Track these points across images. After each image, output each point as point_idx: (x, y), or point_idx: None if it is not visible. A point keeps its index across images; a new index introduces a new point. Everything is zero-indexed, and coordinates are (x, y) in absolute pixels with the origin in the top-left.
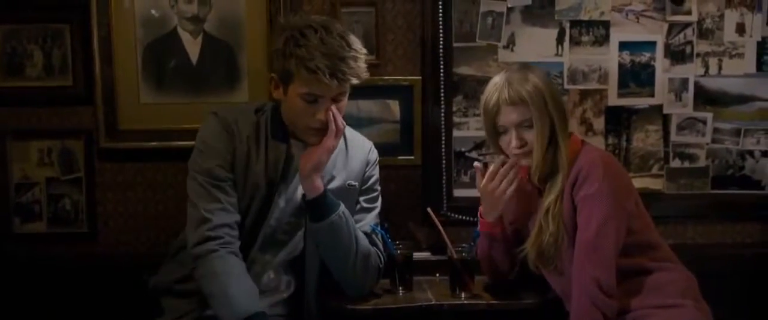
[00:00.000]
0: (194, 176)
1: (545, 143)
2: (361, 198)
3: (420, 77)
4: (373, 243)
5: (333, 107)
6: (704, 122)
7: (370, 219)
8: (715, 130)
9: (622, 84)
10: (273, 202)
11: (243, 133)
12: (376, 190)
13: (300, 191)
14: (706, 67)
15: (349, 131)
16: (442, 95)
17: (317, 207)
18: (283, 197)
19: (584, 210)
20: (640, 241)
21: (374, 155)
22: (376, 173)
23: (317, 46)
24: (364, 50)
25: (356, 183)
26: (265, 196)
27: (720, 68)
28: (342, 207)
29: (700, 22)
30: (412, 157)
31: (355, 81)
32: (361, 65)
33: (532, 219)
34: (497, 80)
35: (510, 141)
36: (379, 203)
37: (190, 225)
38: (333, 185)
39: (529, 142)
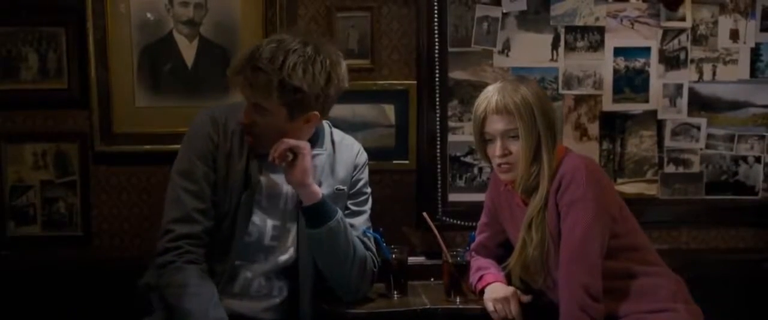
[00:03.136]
0: (172, 177)
1: (530, 156)
2: (350, 202)
3: (415, 82)
4: (366, 247)
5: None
6: (698, 128)
7: (360, 223)
8: (709, 136)
9: (617, 90)
10: (255, 203)
11: (229, 130)
12: (365, 193)
13: (286, 194)
14: (700, 73)
15: (338, 135)
16: (437, 99)
17: (315, 214)
18: (264, 196)
19: (569, 216)
20: (626, 244)
21: (363, 158)
22: (364, 176)
23: (251, 51)
24: (300, 82)
25: (344, 187)
26: (246, 197)
27: (714, 74)
28: (340, 213)
29: (694, 28)
30: (407, 161)
31: (248, 91)
32: (268, 85)
33: (517, 230)
34: (490, 88)
35: (495, 150)
36: (368, 207)
37: (158, 233)
38: (321, 191)
39: (514, 153)
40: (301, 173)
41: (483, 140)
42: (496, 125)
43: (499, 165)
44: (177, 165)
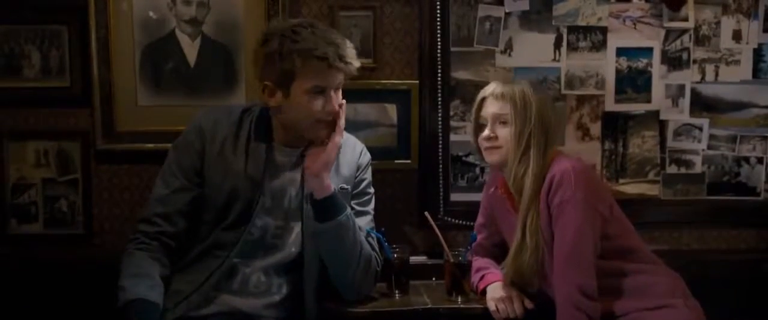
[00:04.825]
0: (158, 177)
1: (520, 146)
2: (354, 202)
3: (417, 81)
4: (370, 247)
5: (341, 101)
6: (700, 129)
7: (364, 223)
8: (711, 136)
9: (619, 90)
10: (257, 203)
11: (218, 134)
12: (368, 193)
13: (289, 194)
14: (703, 73)
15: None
16: (439, 99)
17: (325, 208)
18: (268, 197)
19: (560, 218)
20: (619, 245)
21: (366, 157)
22: (368, 176)
23: (315, 38)
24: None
25: (348, 186)
26: (248, 197)
27: (716, 75)
28: (348, 209)
29: (696, 28)
30: (409, 161)
31: (357, 64)
32: (354, 52)
33: (512, 231)
34: (497, 80)
35: (484, 134)
36: (372, 207)
37: None
38: None
39: (501, 138)
40: (324, 162)
41: (477, 125)
42: (490, 107)
43: (486, 148)
44: (163, 166)
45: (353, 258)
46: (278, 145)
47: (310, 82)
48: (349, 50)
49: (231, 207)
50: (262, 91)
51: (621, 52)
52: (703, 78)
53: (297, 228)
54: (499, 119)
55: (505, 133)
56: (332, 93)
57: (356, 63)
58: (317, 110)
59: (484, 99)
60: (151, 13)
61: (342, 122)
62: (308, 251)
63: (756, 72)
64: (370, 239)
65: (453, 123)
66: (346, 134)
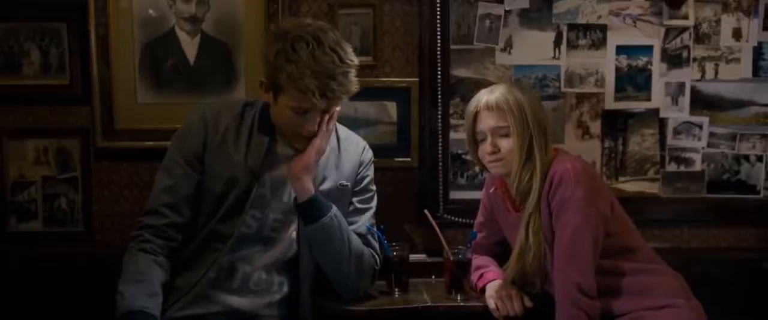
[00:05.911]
0: (159, 171)
1: (523, 153)
2: (355, 199)
3: (417, 79)
4: (368, 244)
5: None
6: (700, 127)
7: (364, 220)
8: (711, 134)
9: (619, 88)
10: (255, 194)
11: (220, 124)
12: (370, 190)
13: (288, 188)
14: (703, 71)
15: (344, 131)
16: (439, 97)
17: (308, 210)
18: (268, 189)
19: (560, 216)
20: (620, 244)
21: (368, 155)
22: (370, 173)
23: (307, 64)
24: (356, 61)
25: (349, 183)
26: (245, 188)
27: (716, 73)
28: (334, 209)
29: (696, 26)
30: (409, 159)
31: (345, 98)
32: (352, 80)
33: (514, 235)
34: (483, 90)
35: (486, 148)
36: (373, 204)
37: None
38: (325, 186)
39: (503, 150)
40: (304, 165)
41: (474, 140)
42: (486, 121)
43: (490, 162)
44: (163, 160)
45: (342, 256)
46: (281, 138)
47: (294, 102)
48: (342, 80)
49: (228, 197)
50: (259, 84)
51: (621, 50)
52: (702, 76)
53: (295, 223)
54: (499, 132)
55: (506, 144)
56: (317, 115)
57: (346, 95)
58: (297, 126)
59: (477, 113)
60: (150, 11)
61: (324, 127)
62: (303, 249)
63: (756, 70)
64: (369, 236)
65: (453, 121)
66: (349, 133)
